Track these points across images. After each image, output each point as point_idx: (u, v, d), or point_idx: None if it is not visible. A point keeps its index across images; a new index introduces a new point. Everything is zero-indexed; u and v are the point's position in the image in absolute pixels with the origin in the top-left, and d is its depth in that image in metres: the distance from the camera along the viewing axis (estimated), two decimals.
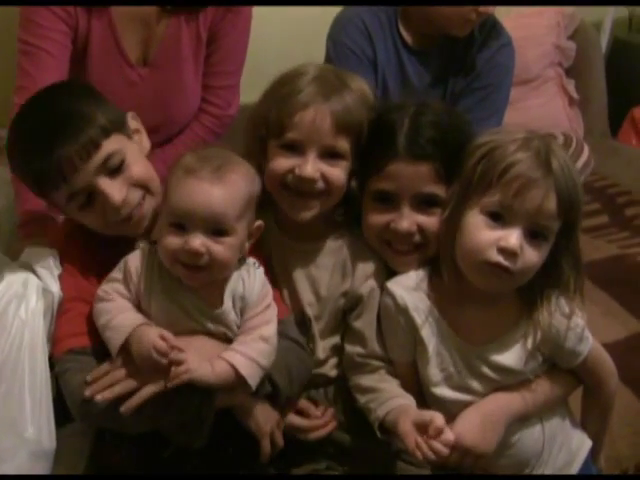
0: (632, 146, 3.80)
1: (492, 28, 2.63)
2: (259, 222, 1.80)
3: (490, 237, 1.69)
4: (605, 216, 3.17)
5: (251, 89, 2.33)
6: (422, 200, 1.84)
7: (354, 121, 1.83)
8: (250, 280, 1.80)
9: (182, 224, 1.69)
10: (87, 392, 1.68)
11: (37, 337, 1.75)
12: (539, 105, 3.59)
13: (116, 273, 1.79)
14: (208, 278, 1.74)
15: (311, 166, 1.81)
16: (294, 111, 1.81)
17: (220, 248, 1.69)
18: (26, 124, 1.81)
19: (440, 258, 1.80)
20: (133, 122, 1.90)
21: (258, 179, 1.80)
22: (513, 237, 1.66)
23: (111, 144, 1.77)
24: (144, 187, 1.82)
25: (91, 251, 1.86)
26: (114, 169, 1.78)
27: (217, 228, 1.69)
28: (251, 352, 1.73)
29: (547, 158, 1.66)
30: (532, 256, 1.69)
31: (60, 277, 1.82)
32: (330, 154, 1.83)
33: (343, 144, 1.83)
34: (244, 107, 2.47)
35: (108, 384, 1.68)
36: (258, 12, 2.39)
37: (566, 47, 3.66)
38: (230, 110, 2.47)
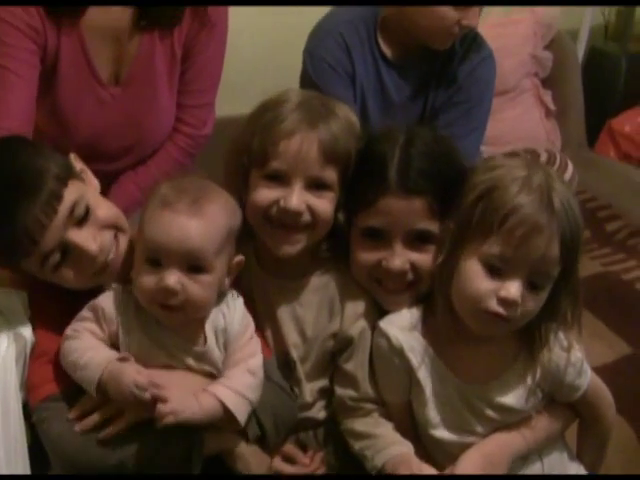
0: (610, 158, 3.74)
1: (473, 41, 2.56)
2: (239, 257, 1.71)
3: (489, 287, 1.60)
4: (587, 231, 3.08)
5: (224, 103, 2.35)
6: (415, 236, 1.74)
7: (342, 150, 1.74)
8: (230, 312, 1.72)
9: (157, 259, 1.60)
10: (77, 428, 1.62)
11: (10, 385, 1.65)
12: (516, 116, 3.53)
13: (86, 312, 1.70)
14: (185, 318, 1.65)
15: (297, 197, 1.71)
16: (278, 139, 1.71)
17: (196, 287, 1.61)
18: None
19: (434, 299, 1.72)
20: (77, 163, 1.78)
21: (239, 211, 1.71)
22: (514, 288, 1.58)
23: (71, 192, 1.66)
24: (114, 227, 1.72)
25: (61, 292, 1.75)
26: (81, 218, 1.67)
27: (194, 264, 1.60)
28: (238, 385, 1.65)
29: (549, 198, 1.58)
30: (532, 303, 1.62)
31: (31, 320, 1.72)
32: (317, 185, 1.73)
33: (330, 174, 1.73)
34: (217, 121, 2.42)
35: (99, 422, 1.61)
36: (231, 23, 2.29)
37: (543, 57, 3.60)
38: (205, 130, 2.37)
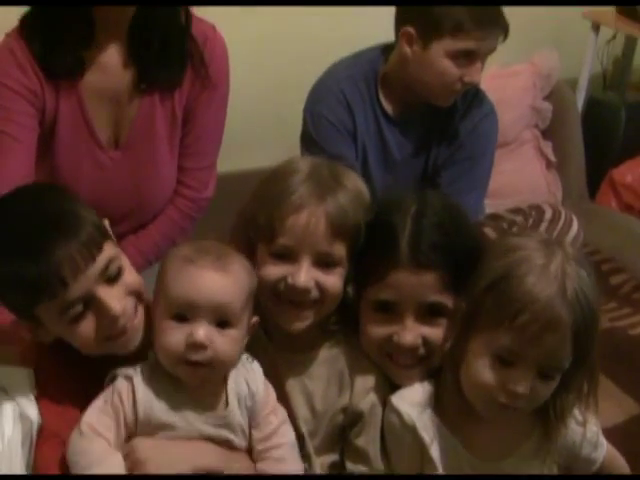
0: (612, 209, 3.70)
1: (474, 96, 2.56)
2: (256, 318, 1.67)
3: (497, 379, 1.55)
4: None
5: (224, 159, 2.34)
6: (427, 310, 1.69)
7: (351, 224, 1.69)
8: (251, 376, 1.68)
9: (184, 315, 1.56)
10: None
11: (15, 469, 1.57)
12: (516, 169, 3.51)
13: (102, 402, 1.62)
14: (210, 375, 1.61)
15: (305, 275, 1.66)
16: (286, 215, 1.66)
17: (224, 342, 1.57)
18: (9, 226, 1.59)
19: (445, 376, 1.67)
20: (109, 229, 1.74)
21: (255, 273, 1.67)
22: (523, 382, 1.53)
23: (109, 248, 1.61)
24: (137, 295, 1.66)
25: (70, 368, 1.68)
26: (113, 277, 1.61)
27: (222, 319, 1.57)
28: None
29: (564, 289, 1.52)
30: (543, 392, 1.57)
31: (37, 400, 1.64)
32: (325, 261, 1.68)
33: (339, 249, 1.69)
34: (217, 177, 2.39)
35: None
36: (231, 77, 2.26)
37: (543, 108, 3.59)
38: (206, 192, 2.32)
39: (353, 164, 2.47)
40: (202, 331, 1.54)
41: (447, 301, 1.67)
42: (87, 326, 1.59)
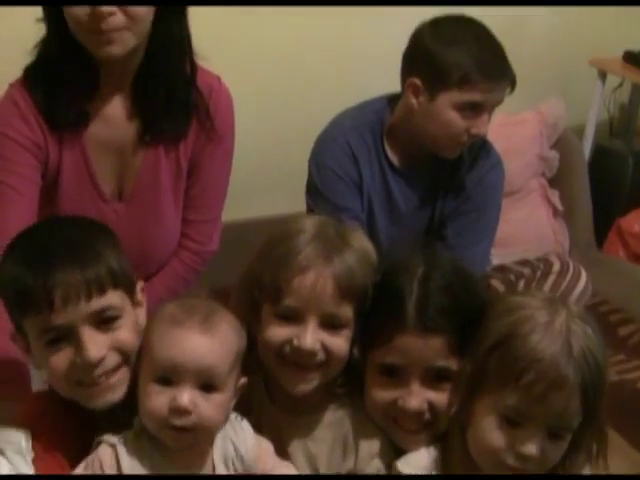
0: (620, 258, 3.67)
1: (481, 148, 2.54)
2: (244, 379, 1.63)
3: (506, 441, 1.52)
4: None
5: (228, 207, 2.30)
6: (433, 374, 1.65)
7: (358, 285, 1.66)
8: (239, 436, 1.63)
9: (169, 378, 1.52)
10: None
11: None
12: (523, 218, 3.48)
13: (82, 469, 1.59)
14: (195, 440, 1.56)
15: (311, 337, 1.63)
16: (292, 275, 1.63)
17: (209, 407, 1.53)
18: (36, 233, 1.66)
19: (452, 440, 1.64)
20: (141, 294, 1.71)
21: (244, 332, 1.64)
22: (532, 443, 1.50)
23: (115, 297, 1.58)
24: (125, 355, 1.62)
25: (68, 431, 1.65)
26: (104, 322, 1.58)
27: (207, 383, 1.53)
28: None
29: (570, 346, 1.49)
30: (553, 454, 1.53)
31: (34, 462, 1.61)
32: (332, 322, 1.65)
33: (346, 311, 1.66)
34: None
35: None
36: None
37: (549, 157, 3.57)
38: (211, 245, 2.30)
39: (359, 215, 2.47)
40: (186, 396, 1.51)
41: (454, 365, 1.64)
42: (60, 359, 1.56)
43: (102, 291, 1.55)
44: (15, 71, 2.05)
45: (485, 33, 2.37)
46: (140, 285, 1.71)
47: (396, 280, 1.68)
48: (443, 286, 1.65)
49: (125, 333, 1.61)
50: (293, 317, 1.65)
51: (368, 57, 3.08)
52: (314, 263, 1.63)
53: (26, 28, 1.97)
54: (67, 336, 1.55)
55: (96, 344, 1.56)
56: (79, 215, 1.78)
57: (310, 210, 2.51)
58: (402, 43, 2.42)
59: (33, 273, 1.52)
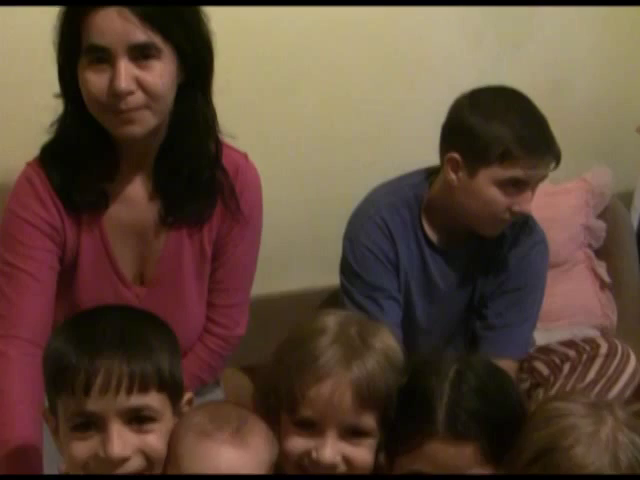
0: None
1: (524, 224, 2.44)
2: None
3: None
4: None
5: (258, 281, 2.21)
6: None
7: (380, 391, 1.56)
8: None
9: None
10: None
11: None
12: (569, 291, 3.32)
13: None
14: None
15: (330, 450, 1.54)
16: (308, 385, 1.55)
17: None
18: (89, 318, 1.61)
19: None
20: (186, 407, 1.63)
21: (275, 440, 1.56)
22: None
23: (156, 399, 1.51)
24: (150, 462, 1.52)
25: None
26: (138, 421, 1.50)
27: None
28: None
29: (617, 459, 1.38)
30: None
31: None
32: (353, 433, 1.55)
33: (368, 420, 1.56)
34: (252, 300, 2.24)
35: None
36: (266, 195, 2.15)
37: (596, 227, 3.42)
38: (238, 330, 2.18)
39: (395, 296, 2.39)
40: None
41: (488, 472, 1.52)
42: (83, 447, 1.49)
43: (145, 389, 1.49)
44: (33, 149, 1.98)
45: (527, 105, 2.29)
46: (188, 396, 1.63)
47: (425, 381, 1.58)
48: (477, 388, 1.55)
49: (157, 439, 1.52)
50: (312, 427, 1.55)
51: (404, 131, 2.96)
52: (332, 371, 1.54)
53: (45, 104, 1.91)
54: (96, 425, 1.48)
55: (122, 442, 1.47)
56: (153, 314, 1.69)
57: (344, 290, 2.42)
58: (437, 116, 2.35)
59: (78, 353, 1.47)
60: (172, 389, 1.55)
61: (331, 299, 2.73)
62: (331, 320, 1.62)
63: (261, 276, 2.26)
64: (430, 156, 2.40)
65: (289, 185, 2.85)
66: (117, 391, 1.46)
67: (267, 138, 2.73)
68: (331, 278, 2.52)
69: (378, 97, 2.89)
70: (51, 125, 1.93)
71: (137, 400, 1.48)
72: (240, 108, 2.46)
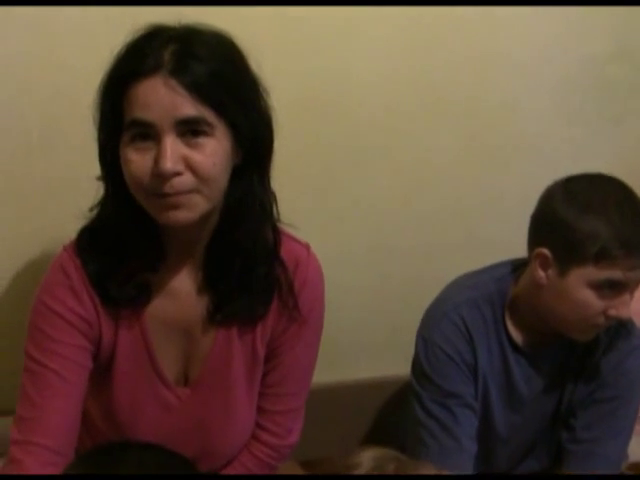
0: None
1: (621, 326, 2.20)
2: None
3: None
4: None
5: (325, 368, 2.08)
6: None
7: None
8: None
9: None
10: None
11: None
12: None
13: None
14: None
15: None
16: None
17: None
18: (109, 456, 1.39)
19: None
20: None
21: None
22: None
23: None
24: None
25: None
26: None
27: None
28: None
29: None
30: None
31: None
32: None
33: None
34: (314, 389, 2.02)
35: None
36: (335, 281, 1.98)
37: None
38: (290, 438, 1.95)
39: (471, 403, 2.17)
40: None
41: None
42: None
43: None
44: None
45: (627, 197, 2.06)
46: None
47: None
48: None
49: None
50: None
51: (491, 211, 2.75)
52: None
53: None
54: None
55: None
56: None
57: (414, 392, 2.21)
58: (528, 197, 2.14)
59: None
60: None
61: (404, 391, 2.50)
62: (366, 456, 1.41)
63: (327, 362, 2.09)
64: (517, 244, 2.18)
65: (364, 265, 2.67)
66: None
67: (341, 218, 2.56)
68: (407, 367, 2.29)
69: (462, 173, 2.70)
70: (90, 209, 1.76)
71: None
72: (303, 186, 2.39)
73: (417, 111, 2.55)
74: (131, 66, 1.59)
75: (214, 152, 1.61)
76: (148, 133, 1.58)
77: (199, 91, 1.57)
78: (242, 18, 2.08)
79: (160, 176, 1.57)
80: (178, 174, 1.58)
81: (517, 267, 2.21)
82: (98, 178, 1.72)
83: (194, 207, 1.63)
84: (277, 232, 1.80)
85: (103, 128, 1.65)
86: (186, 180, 1.59)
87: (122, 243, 1.72)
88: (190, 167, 1.59)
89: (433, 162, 2.63)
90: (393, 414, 2.72)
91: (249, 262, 1.76)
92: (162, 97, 1.56)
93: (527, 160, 2.73)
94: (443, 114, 2.59)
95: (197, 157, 1.59)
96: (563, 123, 2.76)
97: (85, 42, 2.08)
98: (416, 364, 2.22)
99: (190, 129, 1.58)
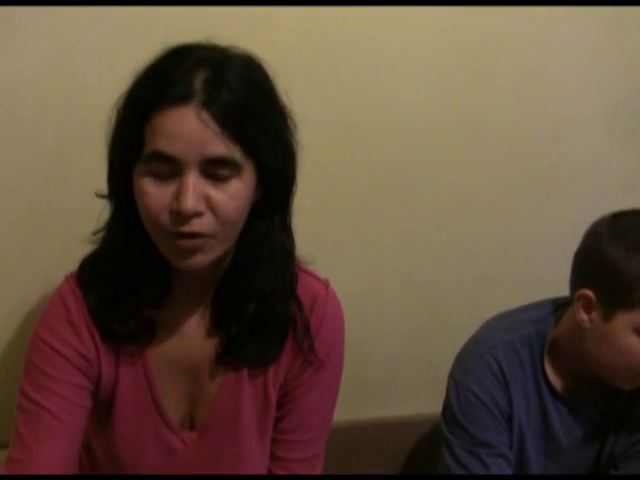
0: None
1: None
2: None
3: None
4: None
5: (351, 404, 2.09)
6: None
7: None
8: None
9: None
10: None
11: None
12: None
13: None
14: None
15: None
16: None
17: None
18: None
19: None
20: None
21: None
22: None
23: None
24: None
25: None
26: None
27: None
28: None
29: None
30: None
31: None
32: None
33: None
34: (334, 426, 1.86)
35: None
36: (371, 310, 2.06)
37: None
38: None
39: (505, 453, 2.04)
40: None
41: None
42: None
43: None
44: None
45: None
46: None
47: None
48: None
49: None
50: None
51: (535, 246, 2.60)
52: None
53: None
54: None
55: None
56: None
57: (444, 439, 2.09)
58: (575, 232, 2.03)
59: None
60: None
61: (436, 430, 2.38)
62: None
63: (357, 399, 2.10)
64: (561, 282, 2.05)
65: (398, 300, 2.53)
66: None
67: (375, 251, 2.43)
68: (440, 406, 2.17)
69: (504, 203, 2.54)
70: (94, 233, 1.63)
71: None
72: (335, 215, 2.30)
73: (460, 138, 2.40)
74: (158, 91, 1.43)
75: (238, 193, 1.47)
76: (170, 166, 1.44)
77: (231, 127, 1.42)
78: (271, 41, 1.99)
79: (179, 215, 1.43)
80: (198, 214, 1.44)
81: (558, 307, 2.09)
82: (100, 195, 1.60)
83: (209, 251, 1.50)
84: (294, 275, 1.67)
85: (118, 152, 1.51)
86: (206, 222, 1.45)
87: (127, 272, 1.59)
88: (211, 207, 1.44)
89: (475, 191, 2.49)
90: (425, 454, 2.60)
91: (262, 302, 1.63)
92: (192, 130, 1.40)
93: (574, 191, 2.58)
94: (487, 141, 2.44)
95: (220, 198, 1.45)
96: (613, 152, 2.59)
97: (105, 62, 1.97)
98: (447, 408, 2.09)
99: (216, 168, 1.44)
